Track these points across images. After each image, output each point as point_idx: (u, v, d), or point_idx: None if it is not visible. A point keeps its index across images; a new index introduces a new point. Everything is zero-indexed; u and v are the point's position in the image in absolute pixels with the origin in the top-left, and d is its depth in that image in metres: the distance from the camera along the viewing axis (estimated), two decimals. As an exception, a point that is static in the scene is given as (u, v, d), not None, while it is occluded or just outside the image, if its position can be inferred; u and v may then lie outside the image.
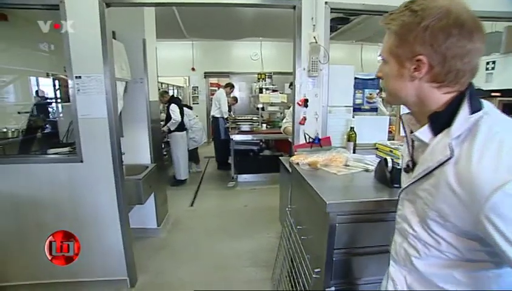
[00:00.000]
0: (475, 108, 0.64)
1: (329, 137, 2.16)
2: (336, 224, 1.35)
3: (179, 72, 7.97)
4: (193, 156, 5.51)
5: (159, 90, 4.25)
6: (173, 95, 5.18)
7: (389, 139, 2.36)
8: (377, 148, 2.17)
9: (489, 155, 0.57)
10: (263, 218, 3.57)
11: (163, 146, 4.79)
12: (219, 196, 4.53)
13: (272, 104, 5.37)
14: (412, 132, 0.77)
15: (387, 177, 1.54)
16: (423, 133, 0.70)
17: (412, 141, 0.80)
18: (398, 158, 1.82)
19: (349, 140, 2.16)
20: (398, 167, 1.61)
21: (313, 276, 1.45)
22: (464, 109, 0.64)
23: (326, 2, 2.08)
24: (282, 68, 7.06)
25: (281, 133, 4.57)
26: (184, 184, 4.92)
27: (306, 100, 2.13)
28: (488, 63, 2.87)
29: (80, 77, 1.95)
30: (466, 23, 0.62)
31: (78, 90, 1.97)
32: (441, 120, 0.67)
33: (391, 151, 1.93)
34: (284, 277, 2.07)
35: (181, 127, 4.73)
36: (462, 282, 0.70)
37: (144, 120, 2.91)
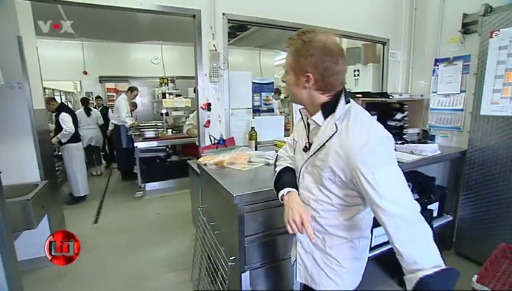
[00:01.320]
0: (348, 101, 0.97)
1: (232, 138, 2.35)
2: (245, 214, 1.53)
3: (68, 76, 6.95)
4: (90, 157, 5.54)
5: (45, 95, 3.71)
6: (62, 102, 4.57)
7: (286, 136, 2.71)
8: (275, 145, 2.47)
9: (357, 128, 0.90)
10: (177, 224, 3.54)
11: (55, 160, 4.19)
12: (127, 207, 4.23)
13: (176, 109, 5.32)
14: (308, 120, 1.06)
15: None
16: (317, 117, 0.99)
17: (309, 126, 1.07)
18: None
19: (250, 139, 2.40)
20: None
21: (229, 264, 1.59)
22: (342, 101, 0.96)
23: (223, 13, 2.26)
24: (185, 72, 6.98)
25: (187, 137, 4.61)
26: (84, 201, 4.41)
27: (209, 104, 2.27)
28: (354, 71, 3.59)
29: None
30: (335, 53, 0.92)
31: None
32: (328, 108, 0.97)
33: (287, 146, 2.24)
34: (203, 275, 2.15)
35: (76, 137, 4.21)
36: (349, 226, 1.03)
37: (27, 132, 2.48)
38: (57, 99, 5.95)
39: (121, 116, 5.17)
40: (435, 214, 2.64)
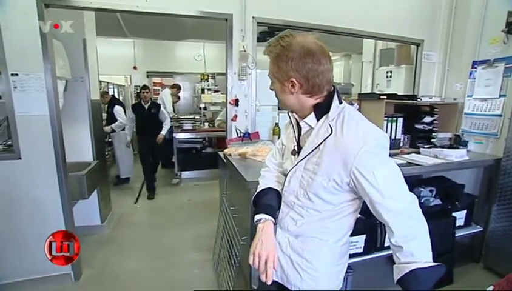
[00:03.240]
0: (340, 101, 0.95)
1: (257, 132, 2.52)
2: (257, 199, 1.69)
3: (120, 70, 7.66)
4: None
5: (100, 89, 4.21)
6: (113, 95, 5.12)
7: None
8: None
9: (352, 130, 0.88)
10: (205, 210, 3.82)
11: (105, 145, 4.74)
12: (164, 192, 4.63)
13: (214, 104, 5.63)
14: (298, 123, 1.01)
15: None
16: (310, 119, 0.96)
17: (299, 129, 1.02)
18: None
19: (274, 134, 2.54)
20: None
21: (241, 242, 1.77)
22: (335, 101, 0.93)
23: (253, 17, 2.43)
24: (225, 69, 7.28)
25: (219, 130, 4.89)
26: (128, 183, 4.93)
27: (237, 100, 2.46)
28: (387, 72, 3.55)
29: (17, 74, 1.98)
30: (315, 53, 0.88)
31: (15, 87, 1.99)
32: (322, 109, 0.94)
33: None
34: (222, 256, 2.36)
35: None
36: (330, 228, 1.00)
37: (85, 118, 2.93)
38: (110, 91, 6.62)
39: (167, 106, 5.61)
40: (461, 222, 2.54)
